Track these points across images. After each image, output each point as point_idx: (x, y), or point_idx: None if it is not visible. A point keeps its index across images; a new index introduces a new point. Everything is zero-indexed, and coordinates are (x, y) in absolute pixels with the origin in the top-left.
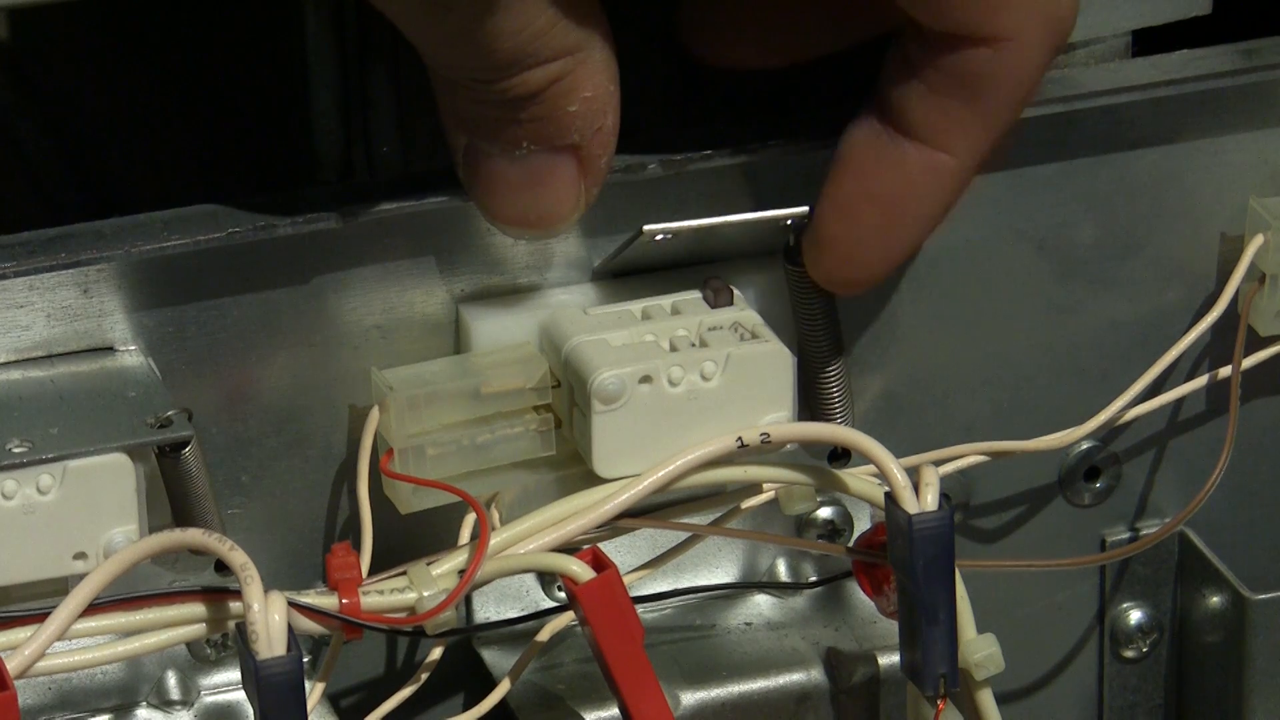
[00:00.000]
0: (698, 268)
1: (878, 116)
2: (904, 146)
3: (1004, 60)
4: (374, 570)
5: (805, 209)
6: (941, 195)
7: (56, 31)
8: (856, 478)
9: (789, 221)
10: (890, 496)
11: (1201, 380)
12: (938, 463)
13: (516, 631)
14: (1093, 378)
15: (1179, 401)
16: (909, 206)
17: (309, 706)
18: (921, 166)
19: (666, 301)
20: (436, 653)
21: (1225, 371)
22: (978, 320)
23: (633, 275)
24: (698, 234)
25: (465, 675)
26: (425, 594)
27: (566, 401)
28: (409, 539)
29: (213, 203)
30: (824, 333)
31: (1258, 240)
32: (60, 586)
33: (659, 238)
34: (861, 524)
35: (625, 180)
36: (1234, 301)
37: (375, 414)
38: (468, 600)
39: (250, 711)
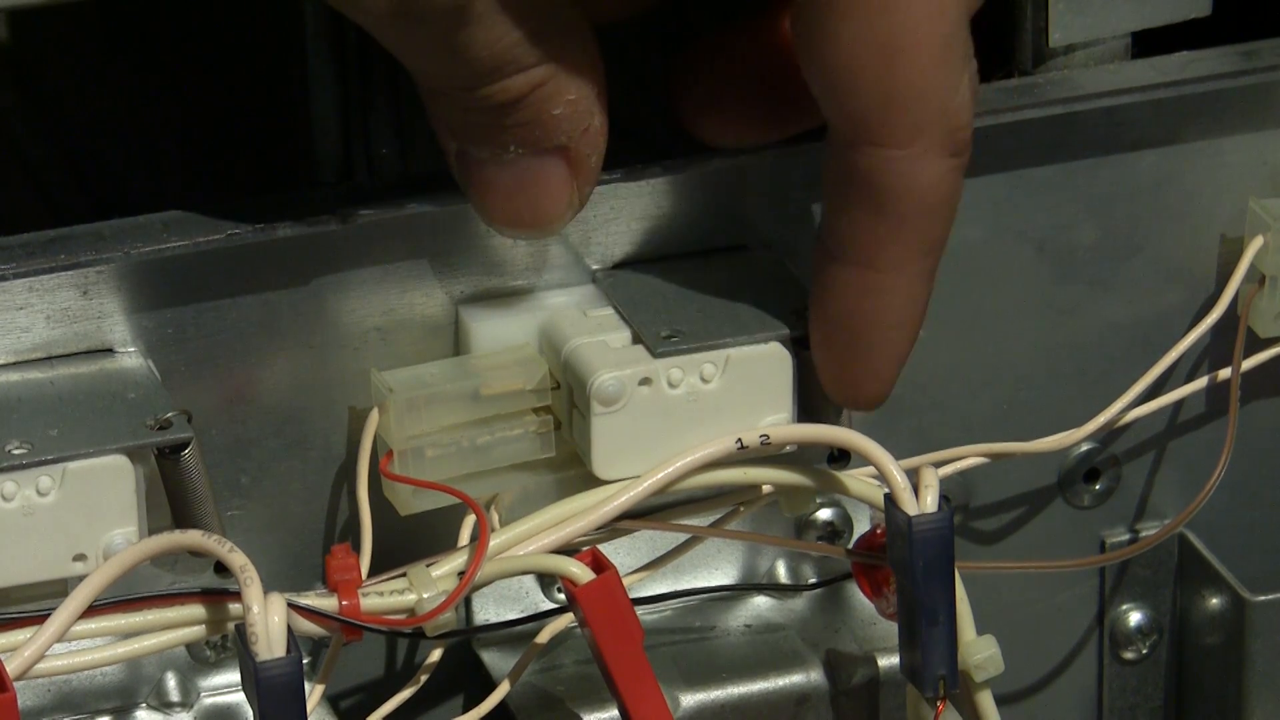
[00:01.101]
0: None
1: (819, 244)
2: (841, 271)
3: (902, 165)
4: (374, 572)
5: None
6: (892, 313)
7: (56, 32)
8: (856, 479)
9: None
10: (890, 498)
11: (1201, 382)
12: (937, 464)
13: (516, 633)
14: (1092, 379)
15: (1179, 403)
16: (866, 329)
17: (309, 708)
18: (860, 288)
19: None
20: (436, 654)
21: (1225, 373)
22: (978, 321)
23: None
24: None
25: (465, 677)
26: (425, 595)
27: (566, 403)
28: (409, 541)
29: (212, 204)
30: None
31: (1257, 242)
32: (60, 588)
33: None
34: (861, 525)
35: (624, 180)
36: (1234, 303)
37: (375, 416)
38: (467, 602)
39: (250, 713)
